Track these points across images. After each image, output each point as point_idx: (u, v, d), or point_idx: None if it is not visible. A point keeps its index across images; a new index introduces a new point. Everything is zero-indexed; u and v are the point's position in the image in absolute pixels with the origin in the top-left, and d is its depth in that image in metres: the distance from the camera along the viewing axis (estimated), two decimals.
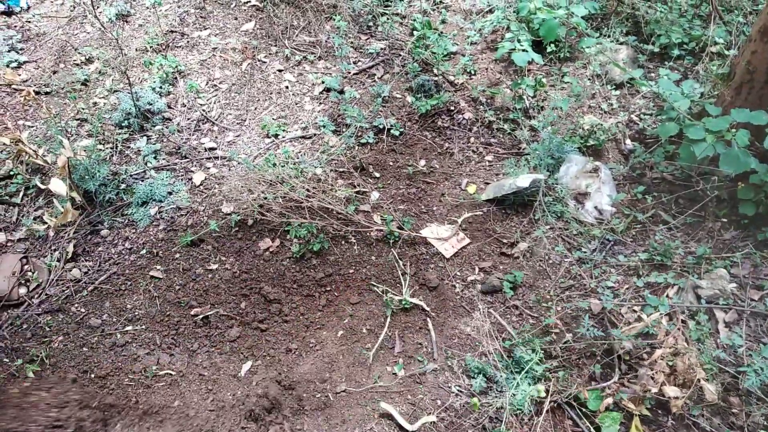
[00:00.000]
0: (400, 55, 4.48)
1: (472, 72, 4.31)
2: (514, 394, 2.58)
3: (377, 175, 3.73)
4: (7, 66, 4.27)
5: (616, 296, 2.99)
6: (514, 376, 2.72)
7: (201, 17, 4.78)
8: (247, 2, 4.94)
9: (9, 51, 4.35)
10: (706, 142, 3.12)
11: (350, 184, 3.64)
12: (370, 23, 4.77)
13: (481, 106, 4.07)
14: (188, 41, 4.58)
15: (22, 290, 3.19)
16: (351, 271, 3.30)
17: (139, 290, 3.22)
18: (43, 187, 3.45)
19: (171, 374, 2.92)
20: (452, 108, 4.03)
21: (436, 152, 3.87)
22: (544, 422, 2.62)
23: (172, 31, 4.64)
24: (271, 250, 3.38)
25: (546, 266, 3.25)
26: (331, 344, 3.03)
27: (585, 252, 3.24)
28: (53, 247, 3.41)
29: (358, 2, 4.79)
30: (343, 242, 3.41)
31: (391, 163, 3.79)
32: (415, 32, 4.55)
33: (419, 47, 4.23)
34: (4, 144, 3.55)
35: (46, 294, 3.20)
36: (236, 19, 4.80)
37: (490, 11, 4.71)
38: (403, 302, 3.09)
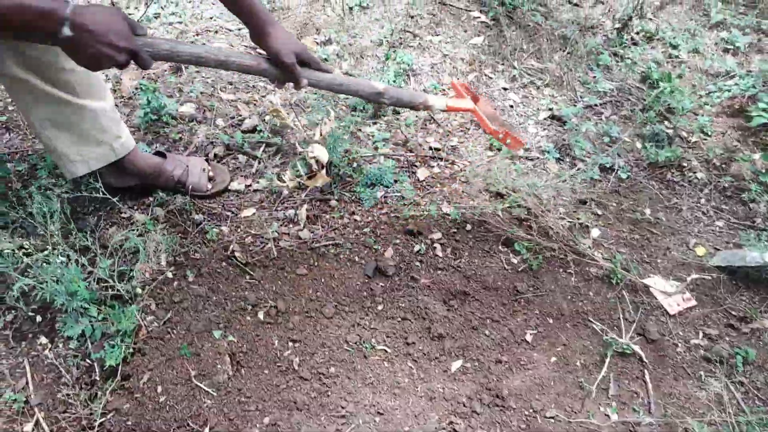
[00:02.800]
0: (629, 99, 4.43)
1: (709, 133, 4.18)
2: None
3: (598, 212, 3.69)
4: None
5: None
6: None
7: (434, 23, 4.98)
8: (477, 18, 5.10)
9: None
10: None
11: (572, 214, 3.62)
12: (599, 62, 4.75)
13: (715, 170, 3.93)
14: (419, 43, 4.78)
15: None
16: (566, 300, 3.27)
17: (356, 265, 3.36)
18: (300, 150, 3.70)
19: (386, 351, 3.01)
20: (684, 165, 3.92)
21: (663, 204, 3.77)
22: None
23: (405, 31, 4.86)
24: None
25: None
26: (544, 368, 3.01)
27: None
28: (285, 205, 3.65)
29: (591, 40, 4.80)
30: (560, 270, 3.39)
31: (613, 205, 3.74)
32: (648, 80, 4.49)
33: (661, 98, 4.15)
34: (257, 104, 3.86)
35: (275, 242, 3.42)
36: (465, 31, 4.96)
37: (729, 75, 4.56)
38: (625, 347, 3.01)
